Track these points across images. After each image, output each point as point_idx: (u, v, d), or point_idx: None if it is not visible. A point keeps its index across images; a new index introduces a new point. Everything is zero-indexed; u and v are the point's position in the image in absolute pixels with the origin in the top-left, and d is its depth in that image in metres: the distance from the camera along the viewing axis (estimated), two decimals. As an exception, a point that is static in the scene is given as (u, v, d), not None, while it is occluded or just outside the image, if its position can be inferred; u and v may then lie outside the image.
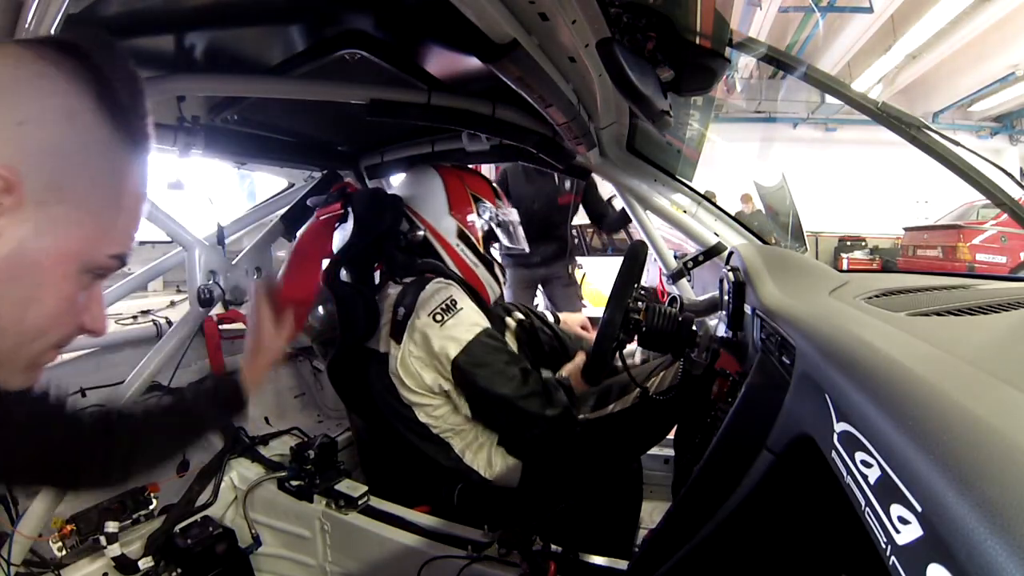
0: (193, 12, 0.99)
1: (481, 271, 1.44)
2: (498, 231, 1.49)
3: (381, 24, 1.07)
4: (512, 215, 1.52)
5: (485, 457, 1.29)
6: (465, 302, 1.28)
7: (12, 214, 0.40)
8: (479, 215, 1.45)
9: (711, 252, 1.53)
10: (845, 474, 0.41)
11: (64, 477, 0.77)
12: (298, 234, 1.96)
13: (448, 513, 1.26)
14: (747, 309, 0.91)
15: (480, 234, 1.45)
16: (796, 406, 0.57)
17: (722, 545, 0.70)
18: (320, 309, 1.63)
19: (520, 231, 1.57)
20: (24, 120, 0.41)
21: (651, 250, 1.63)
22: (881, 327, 0.57)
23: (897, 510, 0.32)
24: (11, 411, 0.67)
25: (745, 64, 8.24)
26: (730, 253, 1.21)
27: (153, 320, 1.61)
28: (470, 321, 1.25)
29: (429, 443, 1.29)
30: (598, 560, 1.09)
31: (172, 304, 1.94)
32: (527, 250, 1.64)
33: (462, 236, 1.42)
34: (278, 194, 2.17)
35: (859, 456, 0.39)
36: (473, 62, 0.87)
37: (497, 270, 1.49)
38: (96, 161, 0.44)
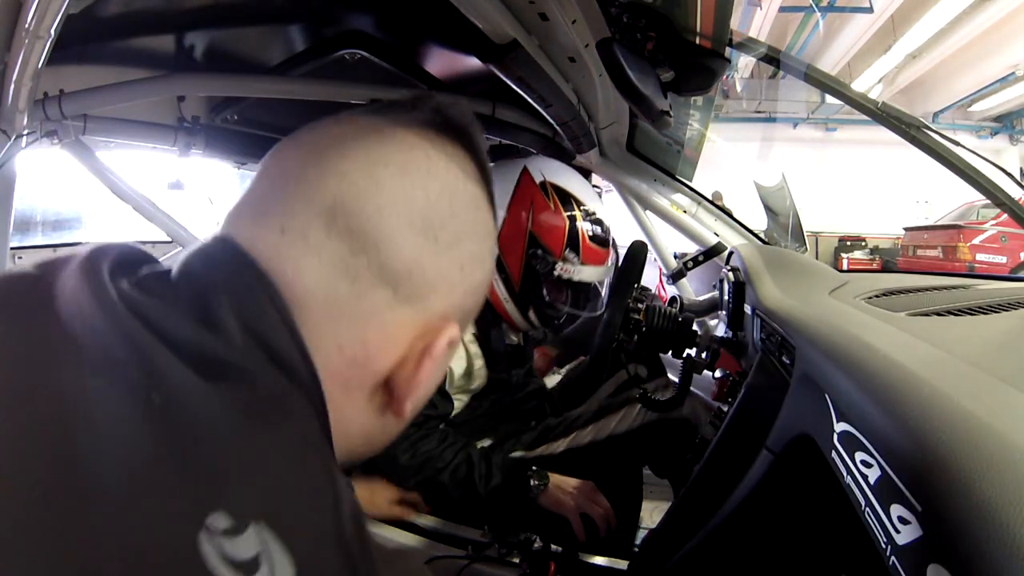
0: (193, 12, 0.99)
1: (510, 307, 1.22)
2: (544, 285, 1.21)
3: (381, 24, 1.07)
4: (580, 274, 1.20)
5: None
6: None
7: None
8: (528, 258, 1.19)
9: (711, 252, 1.54)
10: (845, 474, 0.41)
11: None
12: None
13: (448, 513, 1.25)
14: (747, 309, 0.91)
15: (519, 275, 1.20)
16: (796, 406, 0.57)
17: (722, 545, 0.70)
18: None
19: (584, 297, 1.29)
20: (455, 240, 0.34)
21: (651, 250, 1.63)
22: (881, 327, 0.57)
23: (897, 510, 0.32)
24: None
25: (745, 64, 8.24)
26: (730, 253, 1.21)
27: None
28: None
29: None
30: (598, 560, 1.09)
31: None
32: (586, 315, 1.34)
33: (500, 268, 1.20)
34: (278, 194, 2.17)
35: (859, 456, 0.39)
36: (473, 62, 0.87)
37: (533, 315, 1.24)
38: (492, 256, 0.39)
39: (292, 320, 0.28)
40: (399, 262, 0.31)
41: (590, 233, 1.22)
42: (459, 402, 1.25)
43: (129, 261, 0.31)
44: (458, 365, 1.19)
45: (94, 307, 0.25)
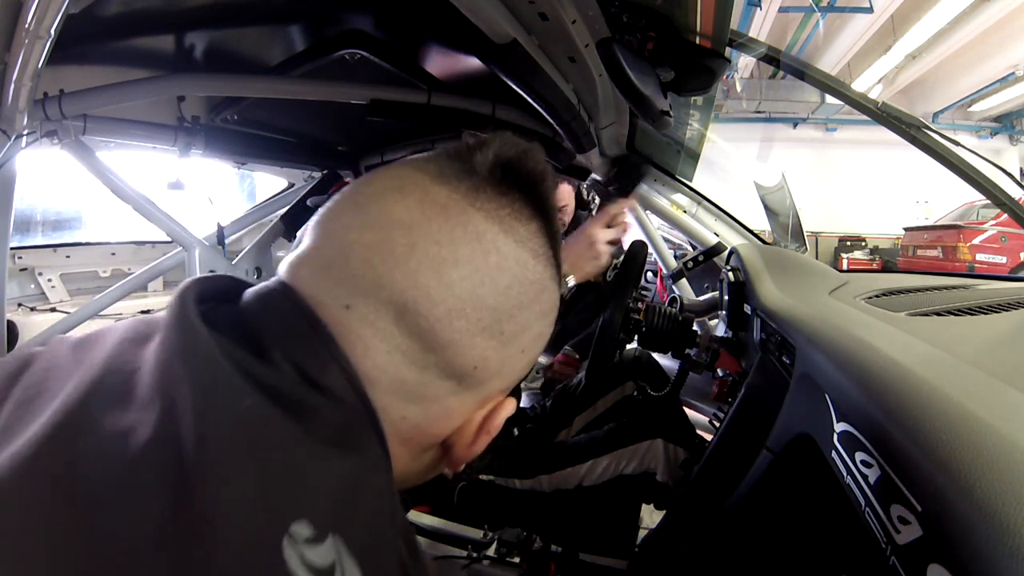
0: (193, 12, 0.99)
1: None
2: None
3: (381, 24, 1.07)
4: None
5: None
6: None
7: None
8: None
9: (711, 252, 1.53)
10: (845, 474, 0.41)
11: None
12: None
13: (448, 513, 1.25)
14: (747, 309, 0.91)
15: None
16: (796, 406, 0.57)
17: (722, 545, 0.70)
18: None
19: None
20: (521, 330, 0.34)
21: (651, 250, 1.62)
22: (881, 327, 0.57)
23: (897, 510, 0.32)
24: None
25: (745, 64, 8.24)
26: (730, 253, 1.21)
27: (153, 320, 1.60)
28: None
29: None
30: (598, 560, 1.09)
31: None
32: None
33: None
34: (278, 194, 2.18)
35: (859, 456, 0.39)
36: (473, 62, 0.87)
37: None
38: (552, 323, 0.37)
39: (360, 384, 0.29)
40: (466, 360, 0.32)
41: None
42: None
43: (210, 294, 0.33)
44: None
45: (176, 333, 0.27)
